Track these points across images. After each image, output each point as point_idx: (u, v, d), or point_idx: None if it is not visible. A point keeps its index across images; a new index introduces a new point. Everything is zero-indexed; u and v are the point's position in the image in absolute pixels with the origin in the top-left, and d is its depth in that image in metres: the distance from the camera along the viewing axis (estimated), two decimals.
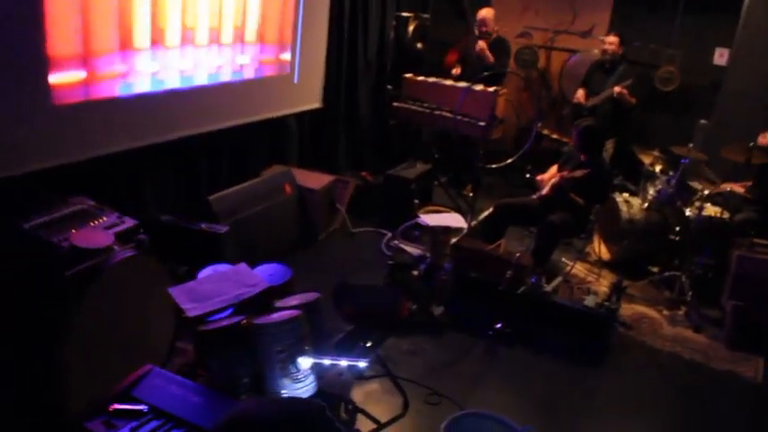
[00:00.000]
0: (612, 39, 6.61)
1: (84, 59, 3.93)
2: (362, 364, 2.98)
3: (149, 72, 4.42)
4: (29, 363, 2.88)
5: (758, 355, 4.58)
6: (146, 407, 2.37)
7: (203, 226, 4.33)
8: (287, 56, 5.81)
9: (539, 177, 5.42)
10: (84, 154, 4.01)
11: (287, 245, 5.26)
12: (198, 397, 2.44)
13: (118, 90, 4.21)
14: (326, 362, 2.81)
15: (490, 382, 4.02)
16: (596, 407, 3.89)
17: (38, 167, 3.73)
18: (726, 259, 5.07)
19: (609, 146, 6.54)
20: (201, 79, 4.89)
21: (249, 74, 5.40)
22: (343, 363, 2.90)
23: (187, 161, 5.00)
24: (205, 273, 3.14)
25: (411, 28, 7.43)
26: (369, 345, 3.79)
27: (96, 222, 3.30)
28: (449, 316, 4.55)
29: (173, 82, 4.64)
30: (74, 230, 3.14)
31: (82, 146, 4.00)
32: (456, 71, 6.95)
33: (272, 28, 5.53)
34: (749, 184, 5.49)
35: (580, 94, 6.79)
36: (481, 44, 6.72)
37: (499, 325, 4.35)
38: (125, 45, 4.19)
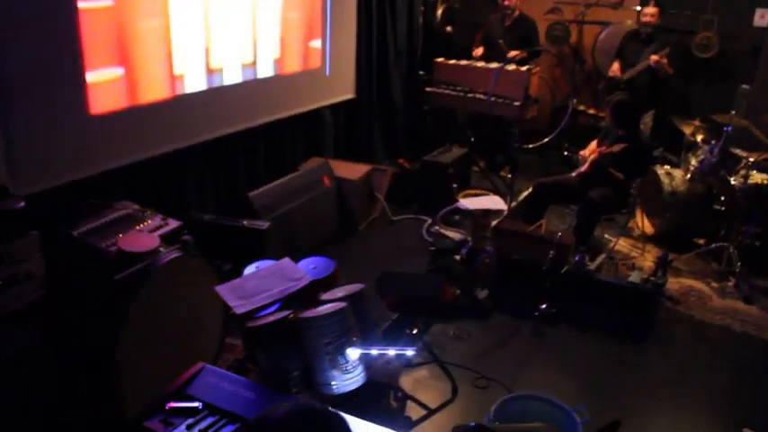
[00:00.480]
0: (653, 10, 6.41)
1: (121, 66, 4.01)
2: (410, 352, 2.99)
3: (187, 73, 4.49)
4: (87, 368, 2.96)
5: None
6: (200, 404, 2.41)
7: (245, 223, 4.37)
8: (318, 49, 5.83)
9: (581, 153, 5.34)
10: (125, 159, 4.10)
11: (328, 236, 5.31)
12: (250, 392, 2.48)
13: (156, 93, 4.29)
14: (374, 351, 2.82)
15: (538, 363, 4.02)
16: (646, 383, 3.86)
17: (80, 176, 3.82)
18: None
19: (648, 119, 6.42)
20: (236, 78, 4.95)
21: (282, 70, 5.43)
22: (391, 351, 2.91)
23: (226, 159, 5.06)
24: (250, 269, 3.16)
25: (439, 12, 7.38)
26: (415, 332, 3.81)
27: (141, 226, 3.37)
28: (493, 299, 4.54)
29: (210, 82, 4.71)
30: (120, 235, 3.21)
31: (123, 152, 4.09)
32: (477, 52, 6.86)
33: (301, 23, 5.55)
34: None
35: (615, 67, 6.66)
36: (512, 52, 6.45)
37: (544, 305, 4.33)
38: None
